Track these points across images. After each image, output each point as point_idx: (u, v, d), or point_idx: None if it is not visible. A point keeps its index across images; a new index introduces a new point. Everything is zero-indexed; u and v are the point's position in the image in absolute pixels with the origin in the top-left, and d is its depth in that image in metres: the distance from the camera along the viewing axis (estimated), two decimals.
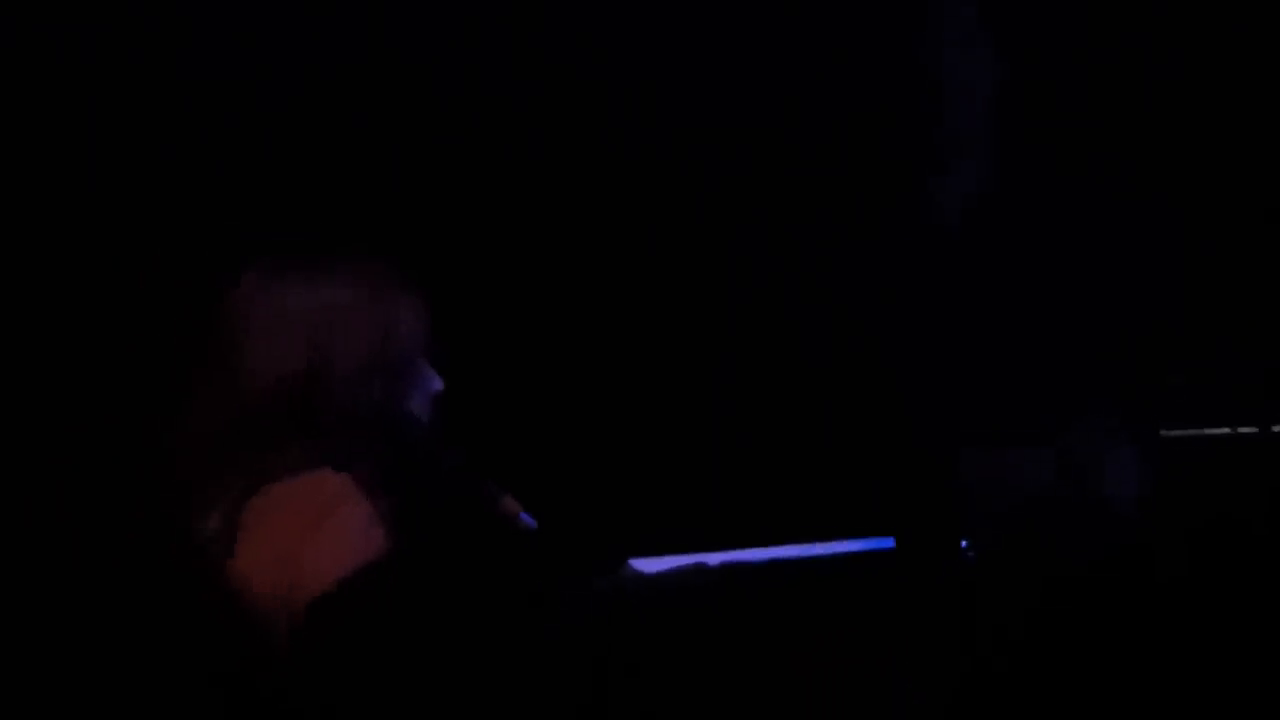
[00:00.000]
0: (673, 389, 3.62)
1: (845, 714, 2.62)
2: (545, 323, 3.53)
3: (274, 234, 2.45)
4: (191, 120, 3.23)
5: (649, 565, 2.91)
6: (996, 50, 3.57)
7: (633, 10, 3.51)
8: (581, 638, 2.65)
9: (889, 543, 3.02)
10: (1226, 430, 2.93)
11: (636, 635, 2.78)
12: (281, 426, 2.10)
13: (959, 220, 3.55)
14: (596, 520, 3.17)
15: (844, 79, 3.63)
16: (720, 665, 2.78)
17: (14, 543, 2.89)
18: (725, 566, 2.96)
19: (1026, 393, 3.34)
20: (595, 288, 3.57)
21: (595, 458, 3.49)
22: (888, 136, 3.64)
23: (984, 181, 3.53)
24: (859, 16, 3.63)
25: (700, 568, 2.92)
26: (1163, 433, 2.88)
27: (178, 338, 2.25)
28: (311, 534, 2.03)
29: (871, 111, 3.64)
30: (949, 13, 3.59)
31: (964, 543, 2.77)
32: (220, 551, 2.07)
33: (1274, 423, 2.87)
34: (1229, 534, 2.36)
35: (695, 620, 2.86)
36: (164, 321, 2.93)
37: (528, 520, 2.25)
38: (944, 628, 2.59)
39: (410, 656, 1.99)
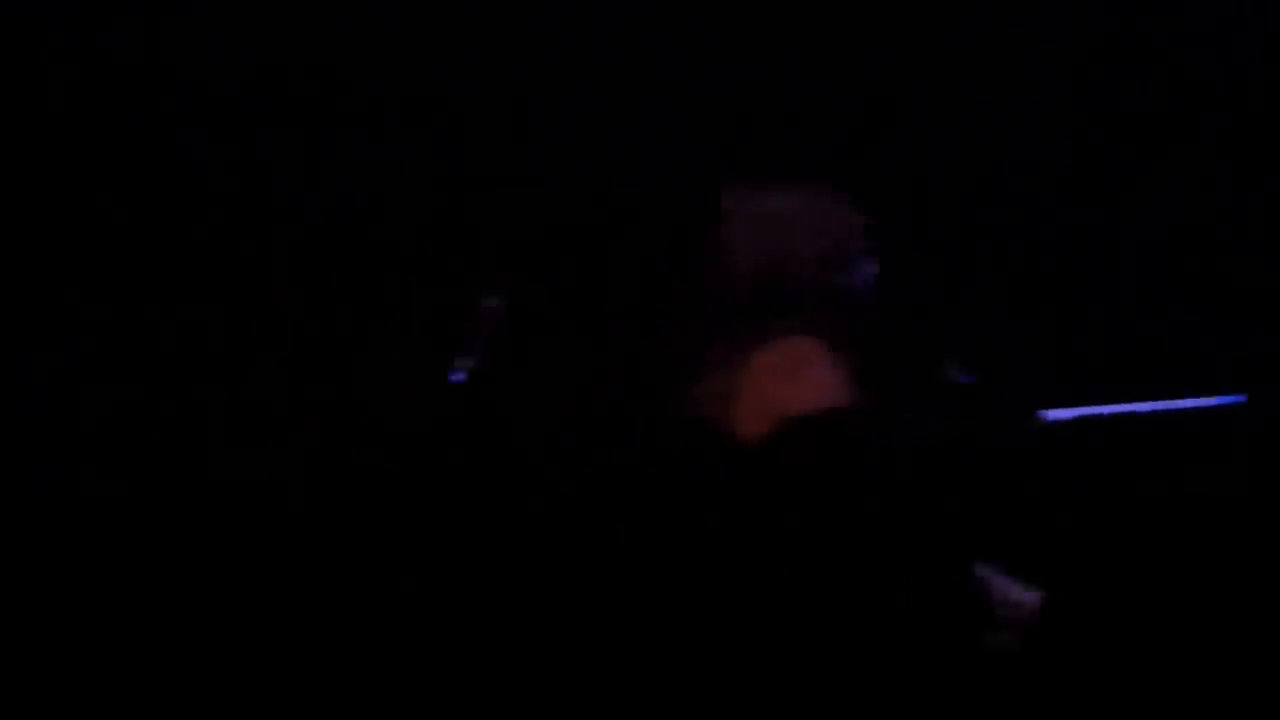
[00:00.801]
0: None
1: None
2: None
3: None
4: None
5: (1056, 414, 3.30)
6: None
7: None
8: (997, 469, 3.03)
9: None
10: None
11: (1036, 466, 3.17)
12: (762, 305, 2.35)
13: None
14: (1015, 379, 3.42)
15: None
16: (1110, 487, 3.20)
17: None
18: (1118, 414, 3.34)
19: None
20: None
21: (1014, 327, 3.74)
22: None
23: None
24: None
25: (1089, 416, 3.31)
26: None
27: (686, 245, 2.55)
28: (790, 384, 2.29)
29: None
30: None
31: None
32: (719, 406, 2.32)
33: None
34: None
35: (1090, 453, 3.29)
36: (675, 233, 3.36)
37: (966, 379, 2.57)
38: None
39: (857, 480, 2.23)
